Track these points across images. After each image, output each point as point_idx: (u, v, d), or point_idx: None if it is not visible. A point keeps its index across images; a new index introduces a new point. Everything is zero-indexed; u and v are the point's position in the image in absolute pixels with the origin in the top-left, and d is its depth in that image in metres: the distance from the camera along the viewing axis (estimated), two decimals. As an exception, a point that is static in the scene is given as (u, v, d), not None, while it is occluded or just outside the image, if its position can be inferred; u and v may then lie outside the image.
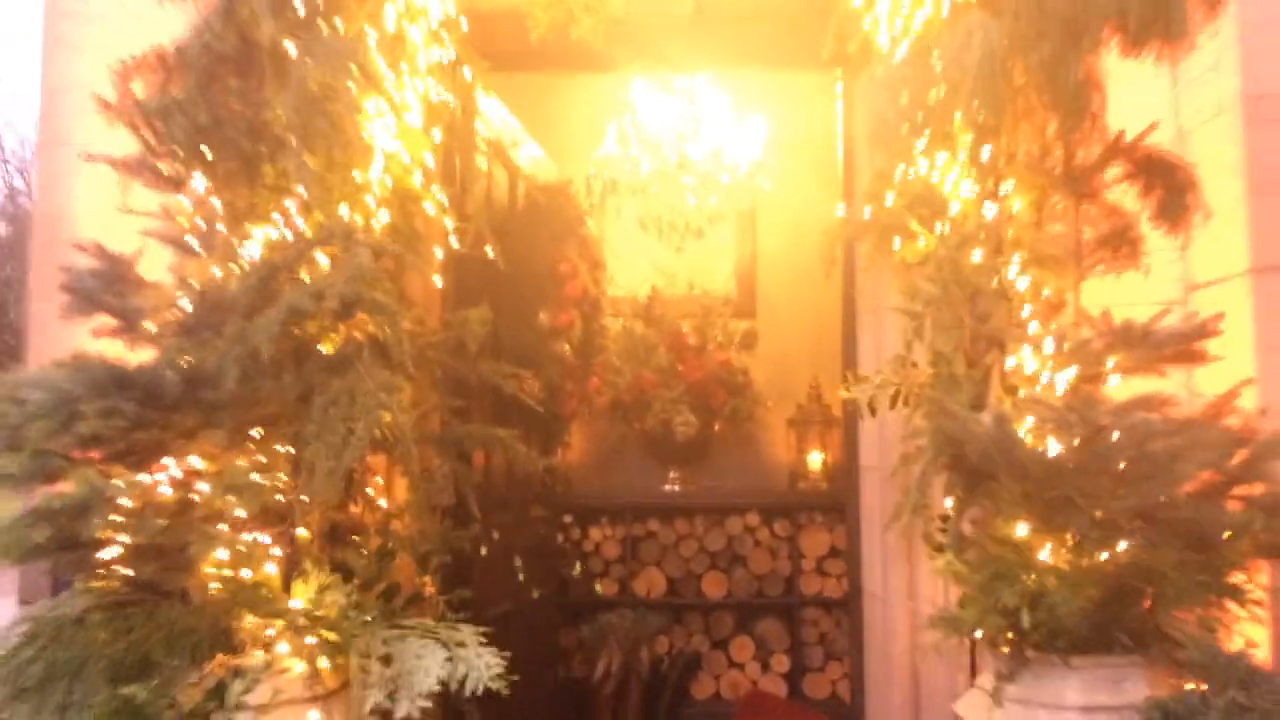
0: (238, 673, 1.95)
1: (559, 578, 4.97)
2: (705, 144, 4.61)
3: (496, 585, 3.40)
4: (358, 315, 2.23)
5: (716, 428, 5.32)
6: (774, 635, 5.08)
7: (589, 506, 5.16)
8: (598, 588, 5.06)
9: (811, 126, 4.91)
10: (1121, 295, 2.31)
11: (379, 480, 2.58)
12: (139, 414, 1.96)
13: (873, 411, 2.56)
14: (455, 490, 2.74)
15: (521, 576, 3.72)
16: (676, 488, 5.34)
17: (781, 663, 5.06)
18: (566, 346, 3.60)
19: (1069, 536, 2.00)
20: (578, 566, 5.01)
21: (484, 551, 3.18)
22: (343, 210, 2.36)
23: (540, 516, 4.03)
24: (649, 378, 5.17)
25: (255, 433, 2.17)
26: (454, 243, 2.84)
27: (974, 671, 2.50)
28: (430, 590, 2.40)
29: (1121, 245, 2.32)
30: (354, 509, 2.39)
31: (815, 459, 5.35)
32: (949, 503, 2.29)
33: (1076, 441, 1.98)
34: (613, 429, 5.31)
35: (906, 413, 2.65)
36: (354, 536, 2.34)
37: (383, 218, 2.53)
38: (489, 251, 2.93)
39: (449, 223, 2.80)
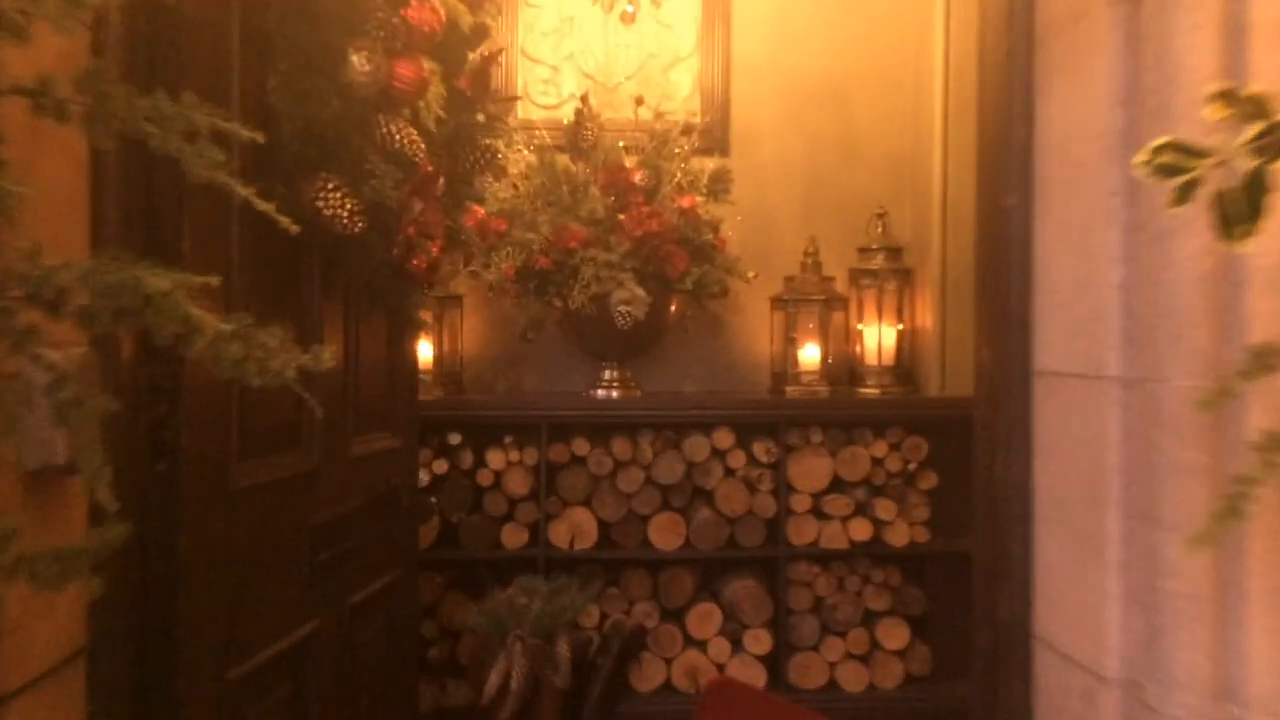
0: None
1: (430, 535, 3.43)
2: None
3: (284, 596, 1.74)
4: None
5: (673, 307, 3.83)
6: (750, 602, 3.68)
7: (485, 420, 3.66)
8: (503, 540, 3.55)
9: None
10: None
11: None
12: None
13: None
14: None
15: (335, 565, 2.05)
16: (614, 393, 3.85)
17: (760, 640, 3.69)
18: (412, 137, 1.83)
19: None
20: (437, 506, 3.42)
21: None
22: None
23: (386, 449, 2.33)
24: (576, 231, 3.57)
25: None
26: None
27: None
28: None
29: None
30: None
31: (810, 353, 3.91)
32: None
33: None
34: (521, 306, 3.70)
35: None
36: None
37: None
38: None
39: None
